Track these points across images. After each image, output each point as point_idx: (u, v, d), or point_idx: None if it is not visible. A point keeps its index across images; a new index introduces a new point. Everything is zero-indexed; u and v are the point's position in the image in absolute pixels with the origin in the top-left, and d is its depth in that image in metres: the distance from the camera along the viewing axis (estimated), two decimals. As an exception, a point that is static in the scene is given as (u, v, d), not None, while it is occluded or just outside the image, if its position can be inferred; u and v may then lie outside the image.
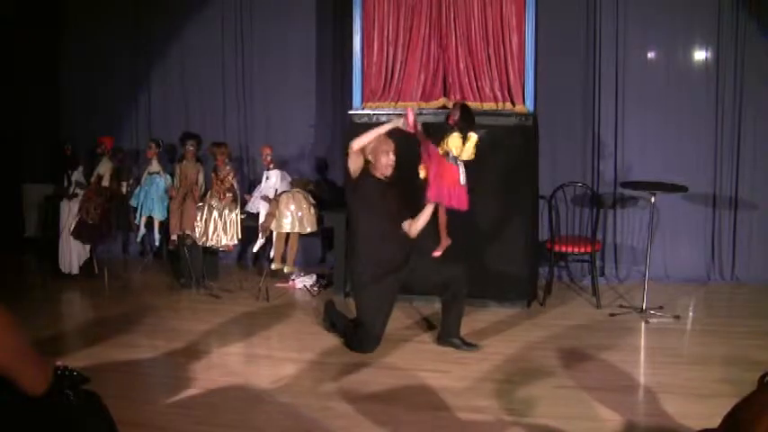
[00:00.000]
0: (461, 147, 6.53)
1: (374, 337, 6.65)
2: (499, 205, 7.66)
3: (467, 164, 6.61)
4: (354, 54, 8.18)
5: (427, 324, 7.38)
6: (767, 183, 8.77)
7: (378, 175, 6.66)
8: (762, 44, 8.57)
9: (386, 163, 6.62)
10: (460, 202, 6.62)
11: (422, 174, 6.64)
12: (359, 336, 6.70)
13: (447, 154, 6.55)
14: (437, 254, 6.73)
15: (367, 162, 6.69)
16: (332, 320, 7.11)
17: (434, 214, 6.71)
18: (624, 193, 8.79)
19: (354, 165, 6.67)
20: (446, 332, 6.78)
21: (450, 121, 6.67)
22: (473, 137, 6.56)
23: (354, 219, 6.81)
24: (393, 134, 6.66)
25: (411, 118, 6.53)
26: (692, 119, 8.78)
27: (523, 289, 7.95)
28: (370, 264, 6.62)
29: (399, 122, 6.57)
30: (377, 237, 6.62)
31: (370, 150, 6.64)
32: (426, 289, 7.18)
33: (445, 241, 6.79)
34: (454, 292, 6.71)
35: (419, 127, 6.63)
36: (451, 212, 6.73)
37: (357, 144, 6.57)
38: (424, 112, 7.93)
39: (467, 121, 6.67)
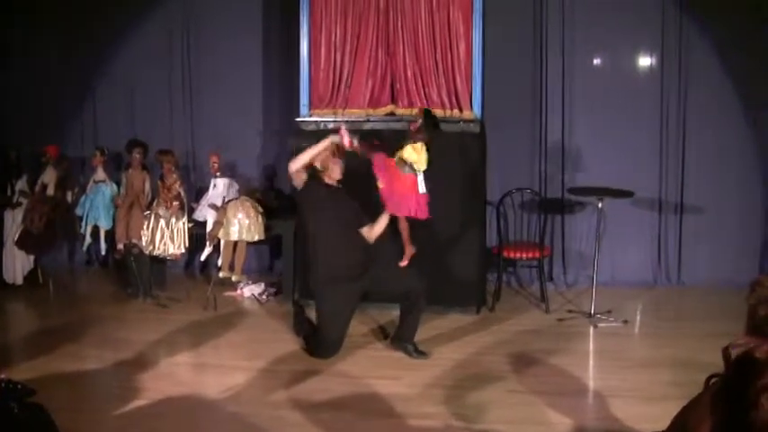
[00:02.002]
0: (420, 156, 6.54)
1: (332, 343, 6.62)
2: (447, 212, 7.63)
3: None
4: (301, 60, 8.17)
5: (382, 332, 7.34)
6: (711, 187, 8.86)
7: (327, 180, 6.64)
8: (705, 48, 8.70)
9: (337, 171, 6.62)
10: (419, 210, 6.65)
11: (380, 184, 6.61)
12: (317, 341, 6.68)
13: (404, 162, 6.58)
14: (403, 264, 6.71)
15: (315, 170, 6.66)
16: (298, 326, 7.08)
17: (395, 223, 6.73)
18: (572, 199, 8.83)
19: (297, 180, 6.68)
20: (400, 336, 6.77)
21: (413, 128, 6.69)
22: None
23: (306, 223, 6.74)
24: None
25: (345, 137, 6.55)
26: (637, 123, 8.87)
27: (472, 295, 7.95)
28: (326, 269, 6.58)
29: (335, 139, 6.56)
30: (332, 242, 6.57)
31: (319, 160, 6.60)
32: (385, 298, 7.17)
33: (409, 250, 6.76)
34: (414, 302, 6.68)
35: (355, 143, 6.59)
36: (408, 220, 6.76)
37: (294, 165, 6.58)
38: (372, 119, 7.97)
39: (429, 127, 6.69)
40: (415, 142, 6.58)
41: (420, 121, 6.69)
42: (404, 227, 6.75)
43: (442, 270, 7.75)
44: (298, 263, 8.14)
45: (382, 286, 6.78)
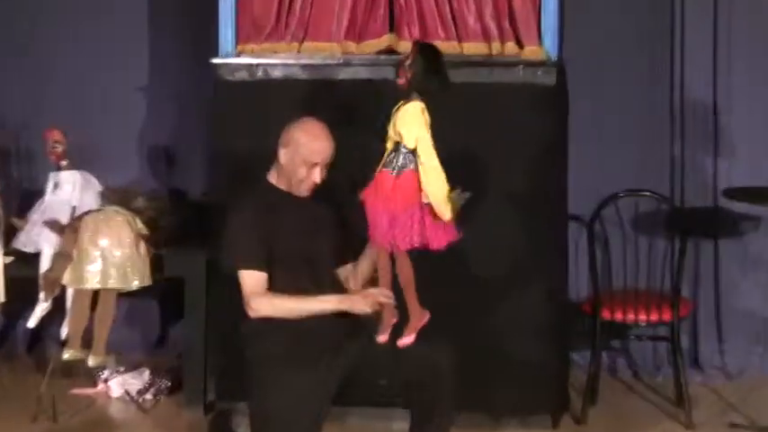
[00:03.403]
0: (423, 132, 6.22)
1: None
2: (495, 234, 7.53)
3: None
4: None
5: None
6: None
7: (285, 188, 6.36)
8: None
9: (304, 178, 6.32)
10: (431, 234, 6.25)
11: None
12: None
13: (396, 148, 6.30)
14: (405, 342, 6.35)
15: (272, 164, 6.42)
16: None
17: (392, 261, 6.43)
18: (732, 210, 8.76)
19: None
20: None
21: (401, 80, 6.39)
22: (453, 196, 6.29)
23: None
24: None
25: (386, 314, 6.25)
26: None
27: (545, 394, 7.83)
28: (281, 336, 6.25)
29: (358, 307, 6.22)
30: (291, 291, 6.29)
31: (284, 145, 6.33)
32: (379, 392, 6.88)
33: (418, 316, 6.37)
34: (432, 398, 6.38)
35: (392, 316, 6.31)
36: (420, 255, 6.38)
37: (263, 312, 6.23)
38: (354, 61, 7.97)
39: (431, 75, 6.35)
40: (408, 104, 6.34)
41: (415, 64, 6.41)
42: (406, 274, 6.38)
43: (486, 346, 7.67)
44: (215, 329, 8.01)
45: (377, 367, 6.48)
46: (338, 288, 6.43)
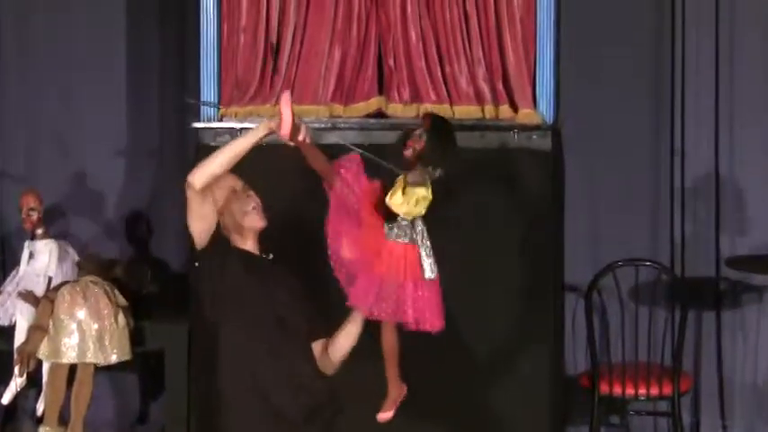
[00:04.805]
0: (416, 201, 6.06)
1: None
2: (488, 304, 7.50)
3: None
4: (203, 18, 8.03)
5: None
6: None
7: (247, 245, 6.12)
8: None
9: (247, 211, 6.05)
10: (424, 315, 6.11)
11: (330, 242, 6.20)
12: None
13: (392, 216, 6.14)
14: (384, 416, 6.27)
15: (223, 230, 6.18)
16: None
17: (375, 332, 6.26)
18: (735, 280, 8.72)
19: (200, 222, 6.05)
20: None
21: (408, 151, 6.22)
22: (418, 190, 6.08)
23: (214, 335, 6.22)
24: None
25: (286, 114, 5.84)
26: None
27: None
28: (241, 421, 6.02)
29: (271, 124, 5.90)
30: (254, 367, 6.06)
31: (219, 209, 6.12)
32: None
33: (398, 390, 6.28)
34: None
35: (305, 135, 5.96)
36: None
37: (200, 177, 5.89)
38: (341, 124, 7.88)
39: (442, 151, 6.21)
40: (411, 181, 6.12)
41: (423, 135, 6.20)
42: (389, 345, 6.25)
43: (478, 422, 7.60)
44: (198, 404, 7.62)
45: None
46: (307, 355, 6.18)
